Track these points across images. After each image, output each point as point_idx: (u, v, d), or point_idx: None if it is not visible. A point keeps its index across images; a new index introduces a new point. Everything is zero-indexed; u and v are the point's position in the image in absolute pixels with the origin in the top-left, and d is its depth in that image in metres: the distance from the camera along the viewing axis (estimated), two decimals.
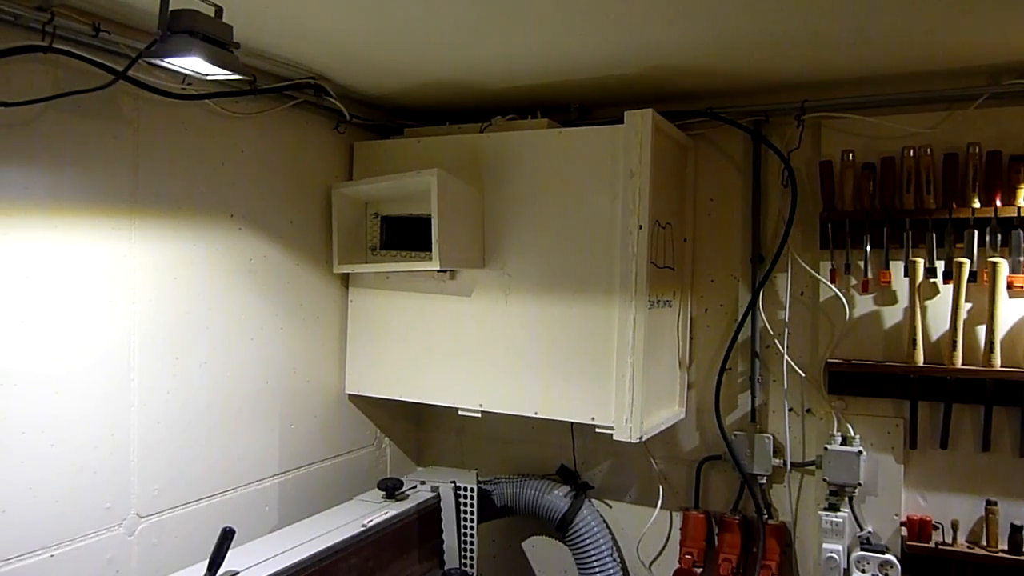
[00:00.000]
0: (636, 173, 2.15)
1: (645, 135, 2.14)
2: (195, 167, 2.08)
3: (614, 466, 2.76)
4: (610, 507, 2.75)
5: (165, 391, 1.99)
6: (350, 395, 2.66)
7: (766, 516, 2.49)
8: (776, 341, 2.48)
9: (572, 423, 2.61)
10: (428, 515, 2.33)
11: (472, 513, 2.44)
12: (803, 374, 2.43)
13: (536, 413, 2.32)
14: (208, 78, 1.75)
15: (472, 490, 2.44)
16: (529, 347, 2.33)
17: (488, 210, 2.41)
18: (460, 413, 2.46)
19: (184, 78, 1.92)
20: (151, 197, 1.96)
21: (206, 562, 1.67)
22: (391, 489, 2.28)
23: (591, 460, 2.79)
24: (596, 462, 2.78)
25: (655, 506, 2.63)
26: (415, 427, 3.08)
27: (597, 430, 2.24)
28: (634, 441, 2.16)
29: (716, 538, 2.54)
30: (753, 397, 2.52)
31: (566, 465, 2.79)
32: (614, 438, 2.18)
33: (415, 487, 2.40)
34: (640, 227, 2.15)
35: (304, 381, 2.47)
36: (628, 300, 2.16)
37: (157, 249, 1.97)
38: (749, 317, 2.50)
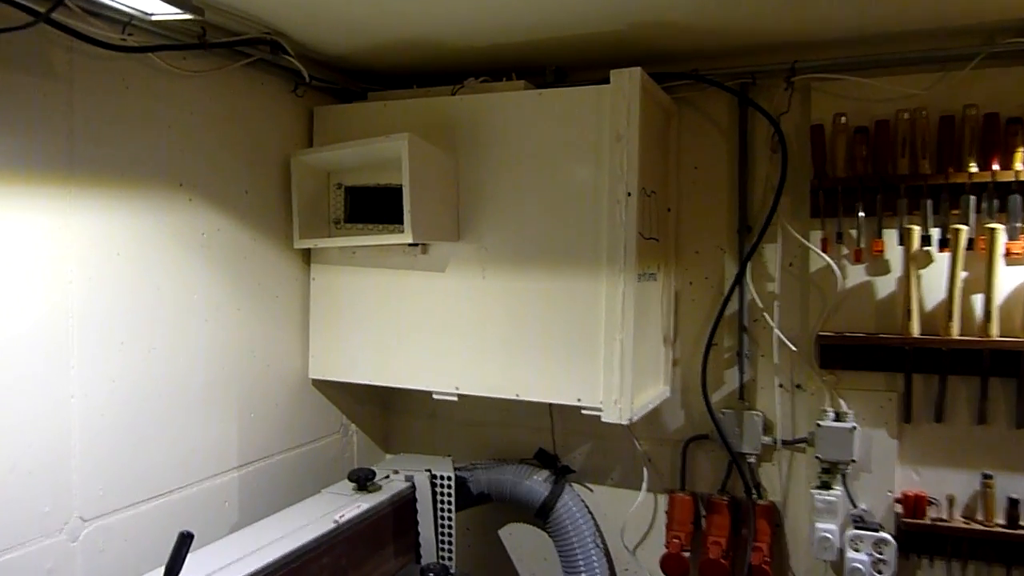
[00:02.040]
0: (624, 136, 2.00)
1: (633, 95, 1.99)
2: (139, 131, 1.86)
3: (595, 448, 2.63)
4: (591, 491, 2.63)
5: (109, 379, 1.79)
6: (314, 380, 2.48)
7: (755, 496, 2.39)
8: (765, 315, 2.37)
9: (551, 404, 2.48)
10: (403, 507, 2.18)
11: (450, 503, 2.29)
12: (794, 348, 2.32)
13: (518, 396, 2.18)
14: (153, 18, 1.54)
15: (449, 478, 2.28)
16: (509, 325, 2.17)
17: (462, 179, 2.24)
18: (435, 397, 2.30)
19: (124, 27, 1.71)
20: (89, 163, 1.74)
21: (162, 570, 1.49)
22: (363, 480, 2.11)
23: (570, 442, 2.66)
24: (576, 444, 2.66)
25: (639, 489, 2.52)
26: (383, 412, 2.91)
27: (583, 412, 2.10)
28: (624, 423, 2.03)
29: (704, 520, 2.44)
30: (741, 373, 2.41)
31: (544, 448, 2.65)
32: (603, 420, 2.05)
33: (388, 477, 2.24)
34: (628, 195, 2.00)
35: (263, 366, 2.28)
36: (616, 273, 2.02)
37: (97, 222, 1.76)
38: (736, 290, 2.38)
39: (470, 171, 2.22)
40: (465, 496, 2.52)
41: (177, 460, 1.98)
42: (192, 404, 2.02)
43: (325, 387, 2.53)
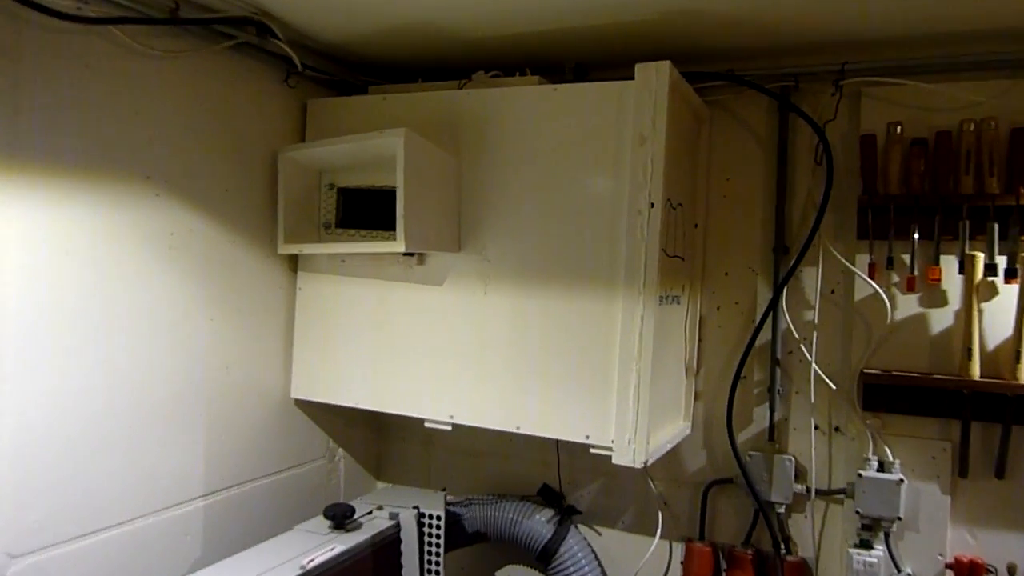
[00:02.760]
0: (648, 139, 1.76)
1: (660, 92, 1.75)
2: (100, 115, 1.65)
3: (605, 487, 2.37)
4: (599, 534, 2.37)
5: (51, 395, 1.57)
6: (296, 400, 2.25)
7: (784, 551, 2.12)
8: (802, 347, 2.10)
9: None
10: (385, 548, 1.93)
11: (439, 545, 2.04)
12: (833, 386, 2.05)
13: (518, 428, 1.93)
14: None
15: (439, 518, 2.04)
16: (511, 349, 1.93)
17: (466, 182, 2.00)
18: (427, 425, 2.05)
19: None
20: (37, 149, 1.53)
21: None
22: (340, 518, 1.87)
23: (578, 479, 2.40)
24: (584, 482, 2.40)
25: (653, 535, 2.25)
26: (375, 437, 2.67)
27: (592, 451, 1.85)
28: (637, 467, 1.78)
29: (724, 575, 2.17)
30: (772, 411, 2.14)
31: (549, 485, 2.40)
32: (613, 462, 1.79)
33: (370, 513, 1.99)
34: (651, 206, 1.76)
35: (239, 383, 2.05)
36: (634, 294, 1.77)
37: (43, 214, 1.54)
38: (769, 318, 2.12)
39: (475, 174, 1.99)
40: (459, 534, 2.27)
41: (131, 487, 1.75)
42: (151, 424, 1.80)
43: (310, 408, 2.29)
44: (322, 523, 1.90)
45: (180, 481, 1.88)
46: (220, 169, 1.96)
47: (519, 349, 1.92)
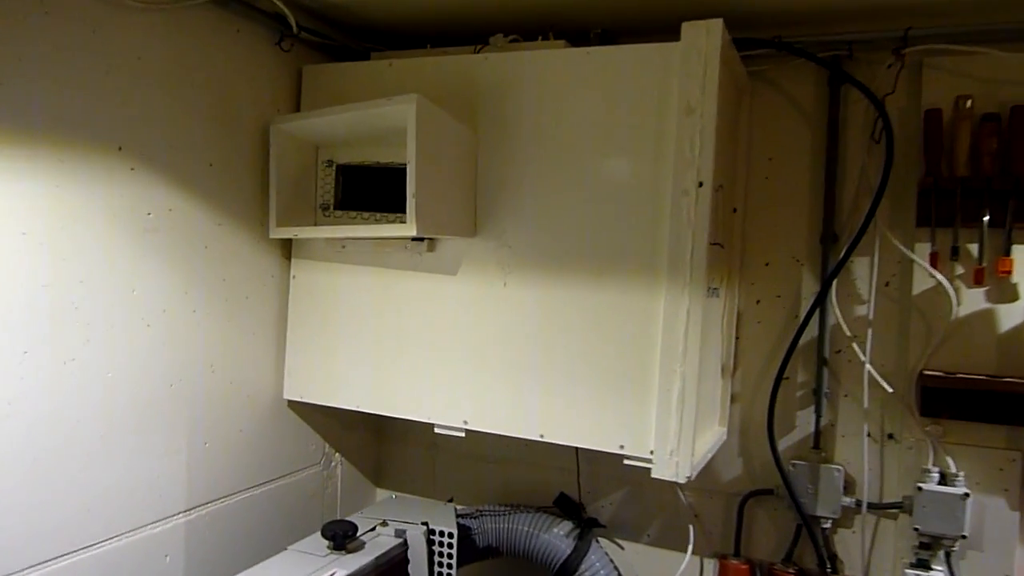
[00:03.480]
0: (697, 109, 1.54)
1: (711, 55, 1.53)
2: (63, 72, 1.41)
3: (629, 497, 2.16)
4: (622, 549, 2.16)
5: (5, 402, 1.34)
6: (290, 401, 2.02)
7: (830, 570, 1.92)
8: (854, 345, 1.89)
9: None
10: (391, 571, 1.71)
11: (451, 566, 1.82)
12: (890, 388, 1.84)
13: (542, 436, 1.71)
14: None
15: (451, 535, 1.82)
16: (534, 347, 1.71)
17: (483, 159, 1.77)
18: (437, 431, 1.83)
19: None
20: None
21: None
22: (340, 537, 1.65)
23: (599, 488, 2.19)
24: (605, 490, 2.19)
25: (683, 551, 2.04)
26: (375, 440, 2.45)
27: (627, 463, 1.63)
28: (681, 481, 1.56)
29: None
30: (818, 417, 1.94)
31: (567, 494, 2.19)
32: (653, 475, 1.58)
33: (373, 530, 1.77)
34: (700, 185, 1.54)
35: (226, 383, 1.82)
36: (679, 286, 1.55)
37: None
38: (816, 313, 1.91)
39: (494, 150, 1.76)
40: (469, 550, 2.06)
41: (102, 505, 1.53)
42: (125, 432, 1.57)
43: (304, 410, 2.07)
44: (320, 543, 1.68)
45: (158, 496, 1.66)
46: (204, 141, 1.72)
47: (543, 347, 1.70)
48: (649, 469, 1.59)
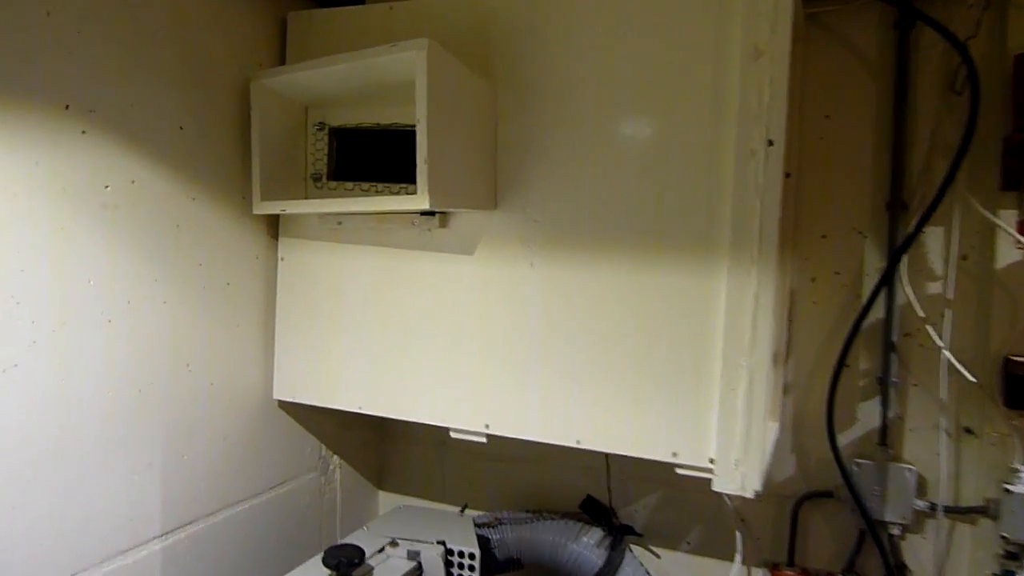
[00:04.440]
0: (766, 51, 1.28)
1: None
2: None
3: (665, 500, 1.93)
4: (659, 558, 1.94)
5: None
6: (280, 402, 1.77)
7: None
8: (928, 328, 1.65)
9: None
10: None
11: None
12: (971, 378, 1.61)
13: (578, 443, 1.47)
14: None
15: (472, 556, 1.58)
16: (568, 338, 1.46)
17: (504, 118, 1.51)
18: (453, 435, 1.59)
19: None
20: None
21: None
22: (345, 566, 1.40)
23: (630, 489, 1.96)
24: (638, 492, 1.95)
25: (729, 560, 1.82)
26: (377, 438, 2.20)
27: (680, 471, 1.39)
28: (748, 495, 1.33)
29: None
30: (884, 409, 1.70)
31: (594, 497, 1.95)
32: (715, 488, 1.34)
33: (382, 552, 1.53)
34: (770, 143, 1.28)
35: (205, 384, 1.56)
36: (745, 264, 1.30)
37: None
38: (883, 292, 1.67)
39: (516, 107, 1.50)
40: (489, 563, 1.82)
41: (60, 538, 1.27)
42: (84, 449, 1.31)
43: (297, 410, 1.81)
44: (321, 571, 1.43)
45: (128, 520, 1.40)
46: (173, 100, 1.44)
47: (578, 338, 1.45)
48: (708, 480, 1.35)
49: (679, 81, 1.37)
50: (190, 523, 1.54)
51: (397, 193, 1.55)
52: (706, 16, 1.34)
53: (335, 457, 2.00)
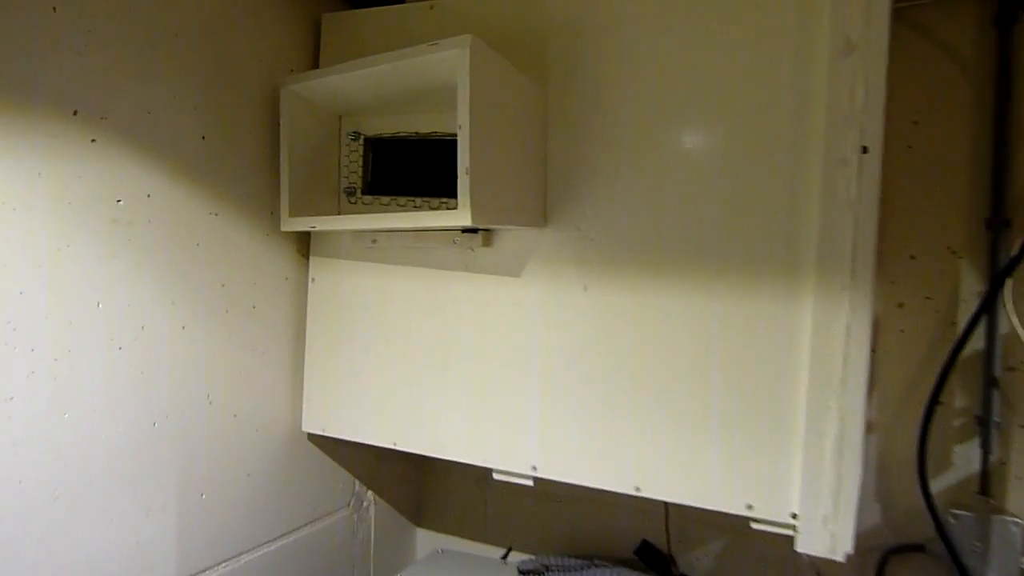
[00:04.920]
0: (859, 46, 1.11)
1: None
2: None
3: (730, 548, 1.74)
4: None
5: None
6: (310, 434, 1.63)
7: None
8: None
9: None
10: None
11: None
12: None
13: (638, 490, 1.30)
14: None
15: None
16: (626, 371, 1.29)
17: (556, 124, 1.36)
18: (496, 477, 1.43)
19: None
20: None
21: None
22: None
23: (691, 534, 1.77)
24: (700, 538, 1.77)
25: None
26: (415, 471, 2.06)
27: (755, 526, 1.22)
28: (839, 559, 1.14)
29: None
30: (985, 453, 1.50)
31: (651, 542, 1.78)
32: (798, 549, 1.16)
33: None
34: (864, 151, 1.11)
35: (227, 417, 1.43)
36: (835, 291, 1.13)
37: None
38: (983, 319, 1.47)
39: (570, 112, 1.35)
40: None
41: None
42: (92, 490, 1.18)
43: (328, 442, 1.68)
44: None
45: (140, 567, 1.27)
46: (194, 107, 1.33)
47: (638, 372, 1.28)
48: (791, 539, 1.17)
49: (755, 81, 1.20)
50: (209, 568, 1.40)
51: (437, 208, 1.41)
52: (787, 6, 1.17)
53: (369, 492, 1.86)
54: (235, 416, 1.45)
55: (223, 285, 1.40)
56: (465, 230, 1.38)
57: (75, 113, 1.13)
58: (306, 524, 1.65)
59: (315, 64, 1.58)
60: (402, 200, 1.46)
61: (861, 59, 1.10)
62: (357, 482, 1.81)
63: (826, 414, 1.13)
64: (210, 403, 1.39)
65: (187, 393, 1.34)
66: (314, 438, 1.64)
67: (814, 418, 1.14)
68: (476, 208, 1.16)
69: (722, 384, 1.22)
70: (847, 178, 1.11)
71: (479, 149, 1.17)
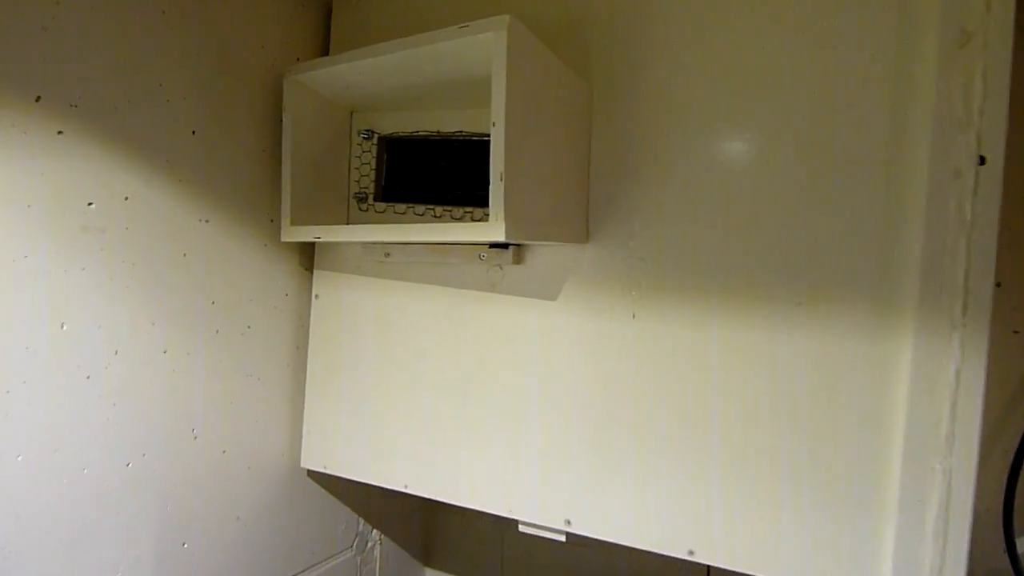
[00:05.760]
0: (978, 34, 0.92)
1: None
2: None
3: None
4: None
5: None
6: (309, 471, 1.45)
7: None
8: None
9: None
10: None
11: None
12: None
13: (691, 554, 1.10)
14: None
15: None
16: (679, 416, 1.10)
17: (601, 124, 1.17)
18: (523, 530, 1.24)
19: None
20: None
21: None
22: None
23: None
24: None
25: None
26: (425, 507, 1.87)
27: None
28: None
29: None
30: None
31: None
32: None
33: None
34: (981, 161, 0.92)
35: (216, 454, 1.25)
36: (943, 328, 0.94)
37: None
38: None
39: (618, 111, 1.16)
40: None
41: None
42: (51, 540, 1.00)
43: (330, 478, 1.49)
44: None
45: None
46: (184, 96, 1.15)
47: (693, 417, 1.10)
48: None
49: (843, 77, 1.02)
50: None
51: (461, 219, 1.22)
52: None
53: (374, 532, 1.67)
54: (224, 452, 1.26)
55: (213, 302, 1.22)
56: (493, 244, 1.19)
57: (38, 99, 0.95)
58: (304, 570, 1.47)
59: (324, 53, 1.40)
60: (420, 209, 1.28)
61: (979, 51, 0.92)
62: (361, 520, 1.62)
63: (927, 477, 0.94)
64: (195, 438, 1.20)
65: (168, 427, 1.16)
66: (314, 474, 1.45)
67: (911, 481, 0.95)
68: (511, 221, 0.97)
69: (794, 435, 1.03)
70: (960, 194, 0.92)
71: (515, 151, 0.98)
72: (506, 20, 0.97)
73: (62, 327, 1.00)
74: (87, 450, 1.04)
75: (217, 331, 1.23)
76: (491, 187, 0.98)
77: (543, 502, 1.20)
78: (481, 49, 1.02)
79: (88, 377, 1.03)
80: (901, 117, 0.98)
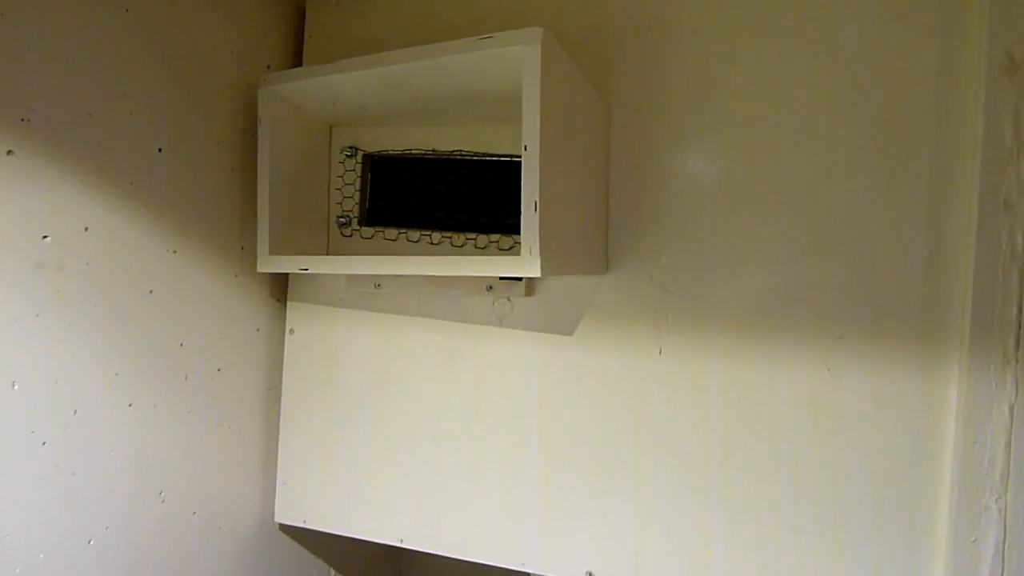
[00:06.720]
0: None
1: None
2: None
3: None
4: None
5: None
6: (282, 526, 1.30)
7: None
8: None
9: None
10: None
11: None
12: None
13: None
14: None
15: None
16: (710, 457, 1.04)
17: (618, 145, 1.10)
18: None
19: None
20: None
21: None
22: None
23: None
24: None
25: None
26: (395, 553, 1.74)
27: None
28: None
29: None
30: None
31: None
32: None
33: None
34: None
35: (184, 516, 1.09)
36: (995, 364, 0.91)
37: None
38: None
39: (638, 130, 1.09)
40: None
41: None
42: None
43: (305, 536, 1.35)
44: None
45: None
46: (148, 110, 0.99)
47: (728, 457, 1.03)
48: None
49: (885, 104, 0.98)
50: None
51: (463, 246, 1.12)
52: (929, 10, 0.96)
53: None
54: (194, 514, 1.10)
55: (182, 344, 1.06)
56: (505, 278, 1.09)
57: None
58: None
59: (296, 61, 1.26)
60: (414, 234, 1.16)
61: None
62: (332, 570, 1.48)
63: (980, 516, 0.91)
64: (163, 501, 1.04)
65: (134, 493, 0.99)
66: (287, 528, 1.31)
67: (961, 521, 0.92)
68: (547, 255, 0.88)
69: (836, 477, 0.98)
70: (1011, 225, 0.90)
71: (550, 177, 0.89)
72: (540, 33, 0.88)
73: (13, 386, 0.83)
74: (44, 530, 0.87)
75: (186, 377, 1.07)
76: (523, 218, 0.88)
77: (560, 554, 1.11)
78: (501, 63, 0.92)
79: (44, 443, 0.86)
80: (946, 147, 0.94)
